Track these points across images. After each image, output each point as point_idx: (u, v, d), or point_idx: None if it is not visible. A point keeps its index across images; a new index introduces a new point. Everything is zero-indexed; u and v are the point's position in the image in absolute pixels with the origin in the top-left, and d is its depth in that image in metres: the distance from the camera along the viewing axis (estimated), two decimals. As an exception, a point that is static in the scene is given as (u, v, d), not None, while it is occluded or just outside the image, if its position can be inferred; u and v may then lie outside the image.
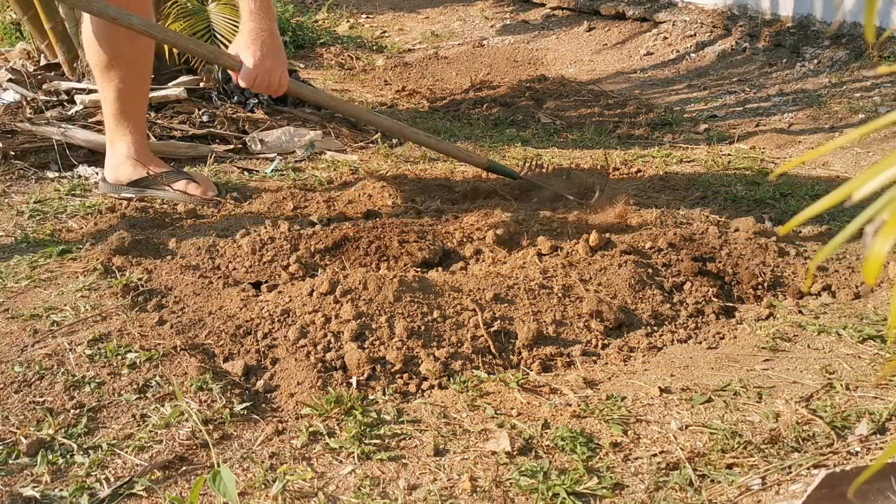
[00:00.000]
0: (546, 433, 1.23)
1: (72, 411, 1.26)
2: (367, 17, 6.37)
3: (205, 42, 2.84)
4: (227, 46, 2.83)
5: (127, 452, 1.18)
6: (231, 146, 2.73)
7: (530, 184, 2.27)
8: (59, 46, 3.05)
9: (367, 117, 2.42)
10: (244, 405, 1.29)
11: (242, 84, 1.92)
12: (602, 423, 1.26)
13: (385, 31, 5.93)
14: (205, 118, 2.81)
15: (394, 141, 2.95)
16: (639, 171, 2.57)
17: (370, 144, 2.89)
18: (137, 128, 2.18)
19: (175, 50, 2.81)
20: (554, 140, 3.14)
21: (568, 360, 1.47)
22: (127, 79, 2.09)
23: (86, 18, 2.08)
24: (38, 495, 1.09)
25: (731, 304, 1.70)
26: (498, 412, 1.29)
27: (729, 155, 2.84)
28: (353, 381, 1.37)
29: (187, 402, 1.28)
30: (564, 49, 5.09)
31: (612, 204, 2.07)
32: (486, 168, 2.27)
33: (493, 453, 1.19)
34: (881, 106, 3.26)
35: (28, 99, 2.83)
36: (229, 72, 1.98)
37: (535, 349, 1.48)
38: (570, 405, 1.31)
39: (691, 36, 4.73)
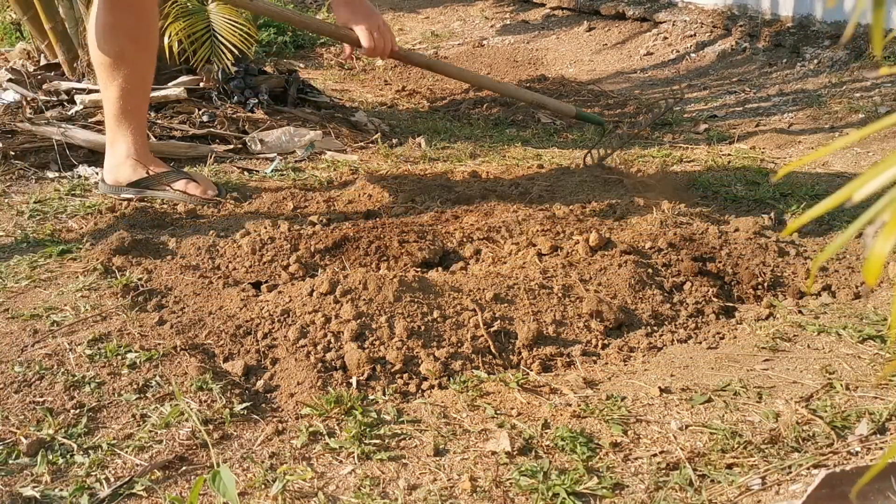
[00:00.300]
0: (546, 433, 1.23)
1: (72, 411, 1.26)
2: (367, 17, 6.36)
3: (206, 42, 2.84)
4: (226, 46, 2.83)
5: (127, 452, 1.18)
6: (231, 146, 2.73)
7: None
8: (59, 46, 3.05)
9: (473, 78, 2.53)
10: (244, 405, 1.29)
11: (365, 48, 2.05)
12: (602, 423, 1.26)
13: (385, 31, 5.91)
14: (205, 118, 2.81)
15: (394, 141, 2.95)
16: (639, 170, 2.57)
17: (370, 144, 2.89)
18: (138, 128, 2.18)
19: (177, 48, 2.81)
20: (554, 140, 3.14)
21: (568, 360, 1.47)
22: (130, 78, 2.10)
23: (91, 17, 2.08)
24: (38, 495, 1.09)
25: (731, 304, 1.70)
26: (498, 412, 1.29)
27: (729, 155, 2.84)
28: (353, 381, 1.37)
29: (187, 402, 1.28)
30: (564, 49, 5.09)
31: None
32: (575, 116, 2.46)
33: (493, 453, 1.19)
34: (881, 106, 3.26)
35: (28, 99, 2.83)
36: (343, 45, 2.14)
37: (535, 349, 1.48)
38: (570, 405, 1.31)
39: (691, 36, 4.73)
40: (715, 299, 1.68)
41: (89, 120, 2.69)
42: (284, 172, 2.53)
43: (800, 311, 1.65)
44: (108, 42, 2.06)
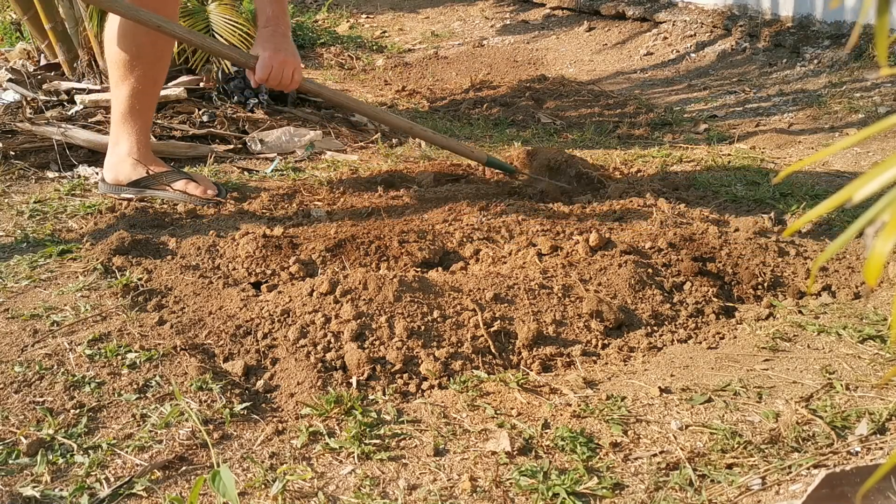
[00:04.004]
0: (546, 433, 1.23)
1: (72, 411, 1.26)
2: (367, 17, 6.37)
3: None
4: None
5: (127, 452, 1.18)
6: (231, 146, 2.73)
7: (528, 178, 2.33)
8: (59, 46, 3.05)
9: (377, 114, 2.45)
10: (244, 405, 1.29)
11: (257, 76, 2.00)
12: (602, 423, 1.26)
13: (385, 31, 5.93)
14: (205, 118, 2.81)
15: (394, 141, 2.95)
16: (639, 170, 2.57)
17: (370, 144, 2.89)
18: (143, 129, 2.19)
19: (177, 49, 2.81)
20: (554, 140, 3.14)
21: (568, 360, 1.47)
22: (143, 79, 2.11)
23: (111, 16, 2.09)
24: (38, 495, 1.09)
25: (731, 304, 1.70)
26: (498, 412, 1.29)
27: (729, 155, 2.84)
28: (353, 381, 1.37)
29: (187, 402, 1.28)
30: (564, 49, 5.09)
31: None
32: (486, 163, 2.33)
33: (493, 453, 1.19)
34: (881, 106, 3.26)
35: (28, 99, 2.83)
36: (247, 70, 2.07)
37: (535, 349, 1.48)
38: (570, 405, 1.31)
39: (691, 36, 4.73)
40: (715, 299, 1.68)
41: (89, 120, 2.69)
42: (284, 172, 2.53)
43: (800, 311, 1.65)
44: (126, 41, 2.07)
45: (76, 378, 1.33)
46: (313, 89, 2.23)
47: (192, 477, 1.14)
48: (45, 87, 2.92)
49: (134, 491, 1.10)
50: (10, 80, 2.98)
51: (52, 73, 3.11)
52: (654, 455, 1.18)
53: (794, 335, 1.55)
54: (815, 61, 3.92)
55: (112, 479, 1.12)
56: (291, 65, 2.02)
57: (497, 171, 2.35)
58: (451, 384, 1.37)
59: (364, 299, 1.51)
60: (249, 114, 2.89)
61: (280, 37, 2.03)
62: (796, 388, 1.34)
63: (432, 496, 1.10)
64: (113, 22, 2.08)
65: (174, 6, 2.14)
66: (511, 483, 1.12)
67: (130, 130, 2.17)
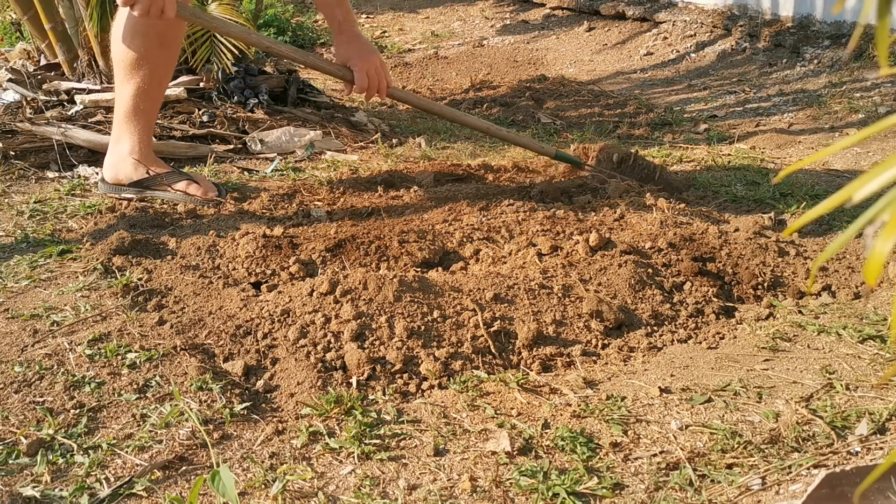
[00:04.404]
0: (546, 433, 1.23)
1: (72, 411, 1.26)
2: (367, 17, 6.37)
3: (205, 42, 2.85)
4: (226, 46, 2.84)
5: (127, 452, 1.18)
6: (231, 146, 2.73)
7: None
8: (59, 46, 3.05)
9: (462, 119, 2.44)
10: (244, 405, 1.29)
11: (358, 89, 2.07)
12: (602, 423, 1.26)
13: (385, 31, 5.93)
14: (205, 118, 2.81)
15: (394, 141, 2.95)
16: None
17: (370, 144, 2.89)
18: (146, 129, 2.19)
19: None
20: (554, 140, 3.14)
21: (568, 360, 1.47)
22: (149, 79, 2.11)
23: (120, 14, 2.09)
24: (38, 495, 1.09)
25: (731, 304, 1.70)
26: (498, 412, 1.29)
27: (729, 155, 2.84)
28: (353, 381, 1.37)
29: (187, 402, 1.28)
30: (564, 49, 5.09)
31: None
32: (554, 157, 2.42)
33: (493, 453, 1.18)
34: (881, 106, 3.26)
35: (28, 99, 2.83)
36: (343, 82, 2.12)
37: (535, 349, 1.48)
38: (570, 405, 1.31)
39: (691, 36, 4.73)
40: (715, 299, 1.68)
41: (89, 120, 2.69)
42: (284, 172, 2.53)
43: (800, 311, 1.65)
44: (134, 40, 2.07)
45: (76, 378, 1.33)
46: (408, 98, 2.30)
47: (192, 477, 1.14)
48: (45, 87, 2.92)
49: (134, 491, 1.10)
50: (10, 80, 2.98)
51: (52, 73, 3.11)
52: (654, 455, 1.18)
53: (794, 335, 1.55)
54: (815, 61, 3.92)
55: (112, 479, 1.12)
56: (383, 67, 2.09)
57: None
58: (451, 384, 1.37)
59: (364, 299, 1.51)
60: (249, 114, 2.89)
61: (359, 40, 2.09)
62: (796, 388, 1.34)
63: (432, 496, 1.10)
64: (121, 20, 2.08)
65: (181, 30, 2.18)
66: (511, 483, 1.12)
67: (133, 129, 2.16)
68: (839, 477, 0.98)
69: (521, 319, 1.53)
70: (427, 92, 4.04)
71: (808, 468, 1.13)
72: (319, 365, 1.39)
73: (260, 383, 1.37)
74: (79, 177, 2.42)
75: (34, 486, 1.10)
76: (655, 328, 1.58)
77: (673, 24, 4.91)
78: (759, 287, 1.75)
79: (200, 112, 2.83)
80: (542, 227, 1.92)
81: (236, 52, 2.84)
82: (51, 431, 1.21)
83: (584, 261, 1.73)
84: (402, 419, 1.28)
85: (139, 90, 2.11)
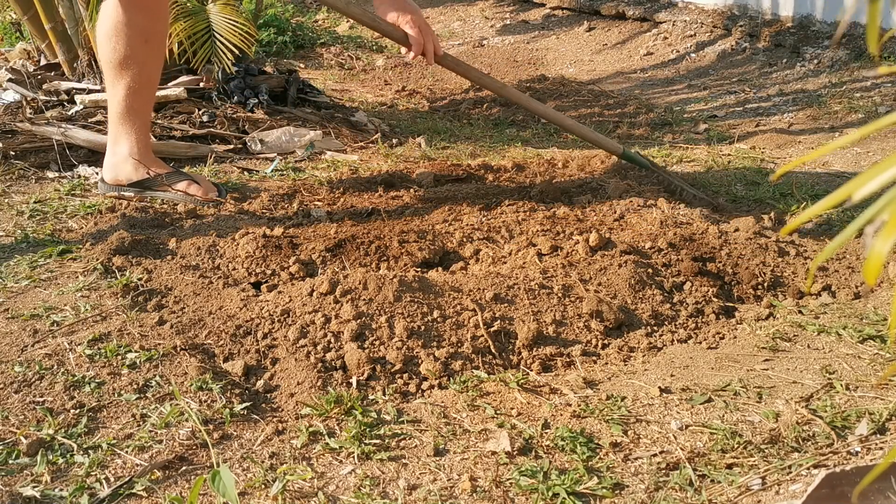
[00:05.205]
0: (546, 433, 1.23)
1: (72, 411, 1.26)
2: (367, 17, 6.36)
3: (206, 42, 2.85)
4: (226, 46, 2.83)
5: (127, 452, 1.18)
6: (231, 146, 2.73)
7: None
8: (59, 46, 3.05)
9: (520, 99, 2.37)
10: (244, 405, 1.29)
11: (415, 52, 2.05)
12: (602, 423, 1.26)
13: (385, 31, 5.92)
14: (205, 118, 2.81)
15: (394, 141, 2.95)
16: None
17: (370, 144, 2.89)
18: (142, 128, 2.18)
19: (177, 49, 2.81)
20: (554, 140, 3.15)
21: (568, 360, 1.47)
22: (138, 78, 2.10)
23: (102, 15, 2.08)
24: (38, 495, 1.09)
25: (731, 304, 1.70)
26: (498, 412, 1.29)
27: (729, 155, 2.84)
28: (353, 381, 1.37)
29: (187, 402, 1.28)
30: (564, 49, 5.09)
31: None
32: (621, 156, 2.35)
33: (493, 453, 1.18)
34: (881, 106, 3.26)
35: (28, 99, 2.83)
36: (402, 47, 2.09)
37: (535, 349, 1.48)
38: (570, 405, 1.31)
39: (691, 36, 4.73)
40: (715, 299, 1.68)
41: (89, 120, 2.69)
42: (284, 172, 2.53)
43: (800, 311, 1.65)
44: (119, 40, 2.05)
45: (76, 378, 1.33)
46: (458, 67, 2.22)
47: (192, 477, 1.14)
48: (45, 87, 2.92)
49: (134, 491, 1.10)
50: (10, 80, 2.98)
51: (52, 73, 3.11)
52: (654, 455, 1.18)
53: (794, 335, 1.55)
54: (815, 61, 3.92)
55: (112, 479, 1.12)
56: (431, 28, 2.04)
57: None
58: (451, 384, 1.37)
59: (364, 299, 1.51)
60: (249, 114, 2.89)
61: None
62: (796, 388, 1.34)
63: (432, 496, 1.10)
64: (104, 22, 2.07)
65: (165, 26, 2.16)
66: (511, 483, 1.12)
67: (129, 130, 2.16)
68: (839, 477, 0.98)
69: (521, 319, 1.53)
70: (427, 92, 4.04)
71: (808, 468, 1.13)
72: (319, 365, 1.39)
73: (260, 383, 1.37)
74: (79, 177, 2.42)
75: (34, 486, 1.10)
76: (655, 328, 1.58)
77: (673, 24, 4.91)
78: (759, 287, 1.75)
79: (200, 112, 2.83)
80: (542, 227, 1.92)
81: (236, 52, 2.84)
82: (51, 431, 1.21)
83: (584, 261, 1.73)
84: (402, 419, 1.28)
85: (130, 90, 2.10)
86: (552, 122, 2.41)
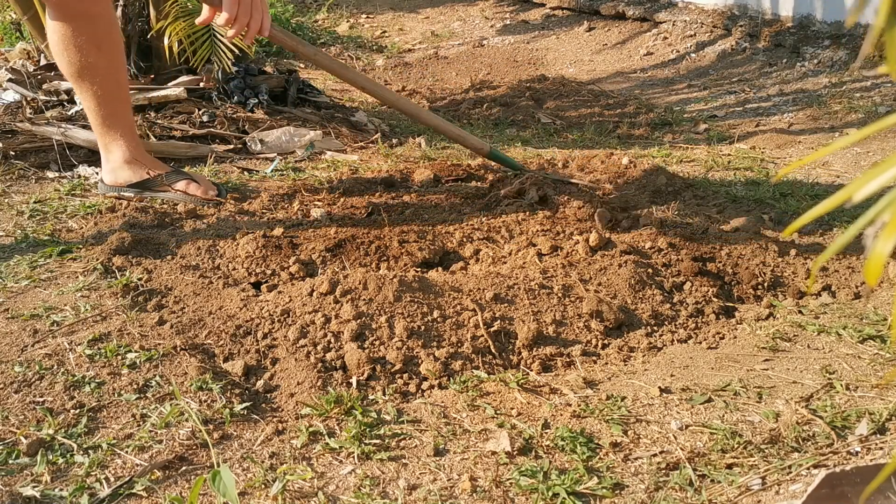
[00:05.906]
0: (546, 433, 1.23)
1: (72, 411, 1.26)
2: (367, 17, 6.37)
3: (206, 41, 2.85)
4: (226, 46, 2.83)
5: (127, 452, 1.18)
6: (231, 146, 2.73)
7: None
8: (58, 46, 3.05)
9: (363, 83, 2.21)
10: (244, 405, 1.29)
11: (224, 17, 1.78)
12: (602, 423, 1.26)
13: (385, 31, 5.93)
14: (205, 118, 2.81)
15: (394, 141, 2.95)
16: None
17: (370, 144, 2.89)
18: (128, 131, 2.15)
19: (177, 49, 2.81)
20: (554, 140, 3.14)
21: (568, 360, 1.47)
22: (104, 84, 2.06)
23: (48, 31, 2.03)
24: (38, 495, 1.09)
25: (731, 304, 1.70)
26: (498, 412, 1.29)
27: (729, 155, 2.84)
28: (353, 381, 1.37)
29: (187, 402, 1.28)
30: (564, 49, 5.09)
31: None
32: (488, 156, 2.32)
33: (493, 453, 1.19)
34: (881, 106, 3.26)
35: (28, 99, 2.83)
36: (205, 6, 1.81)
37: (535, 349, 1.48)
38: (570, 405, 1.31)
39: (691, 36, 4.73)
40: (715, 299, 1.68)
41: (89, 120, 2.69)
42: (284, 172, 2.53)
43: (800, 311, 1.65)
44: (70, 52, 2.01)
45: (76, 378, 1.33)
46: (280, 38, 1.98)
47: (192, 477, 1.14)
48: (45, 87, 2.92)
49: (134, 491, 1.10)
50: (10, 80, 2.98)
51: (52, 73, 3.10)
52: (654, 455, 1.18)
53: (794, 335, 1.55)
54: (815, 61, 3.92)
55: (112, 479, 1.12)
56: (263, 4, 1.78)
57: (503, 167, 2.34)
58: (451, 384, 1.37)
59: (364, 299, 1.51)
60: (249, 114, 2.89)
61: None
62: (796, 388, 1.34)
63: (432, 496, 1.10)
64: (51, 37, 2.01)
65: (115, 30, 2.07)
66: (511, 483, 1.12)
67: (115, 136, 2.14)
68: (839, 477, 0.98)
69: (521, 319, 1.54)
70: (427, 92, 4.04)
71: (808, 468, 1.13)
72: (319, 365, 1.39)
73: (260, 383, 1.37)
74: (79, 177, 2.42)
75: (34, 486, 1.10)
76: (655, 328, 1.58)
77: (673, 24, 4.91)
78: (759, 287, 1.75)
79: (200, 112, 2.83)
80: (542, 227, 1.92)
81: (236, 52, 2.84)
82: (51, 431, 1.21)
83: (584, 261, 1.73)
84: (402, 419, 1.28)
85: (99, 98, 2.07)
86: (413, 118, 2.32)
